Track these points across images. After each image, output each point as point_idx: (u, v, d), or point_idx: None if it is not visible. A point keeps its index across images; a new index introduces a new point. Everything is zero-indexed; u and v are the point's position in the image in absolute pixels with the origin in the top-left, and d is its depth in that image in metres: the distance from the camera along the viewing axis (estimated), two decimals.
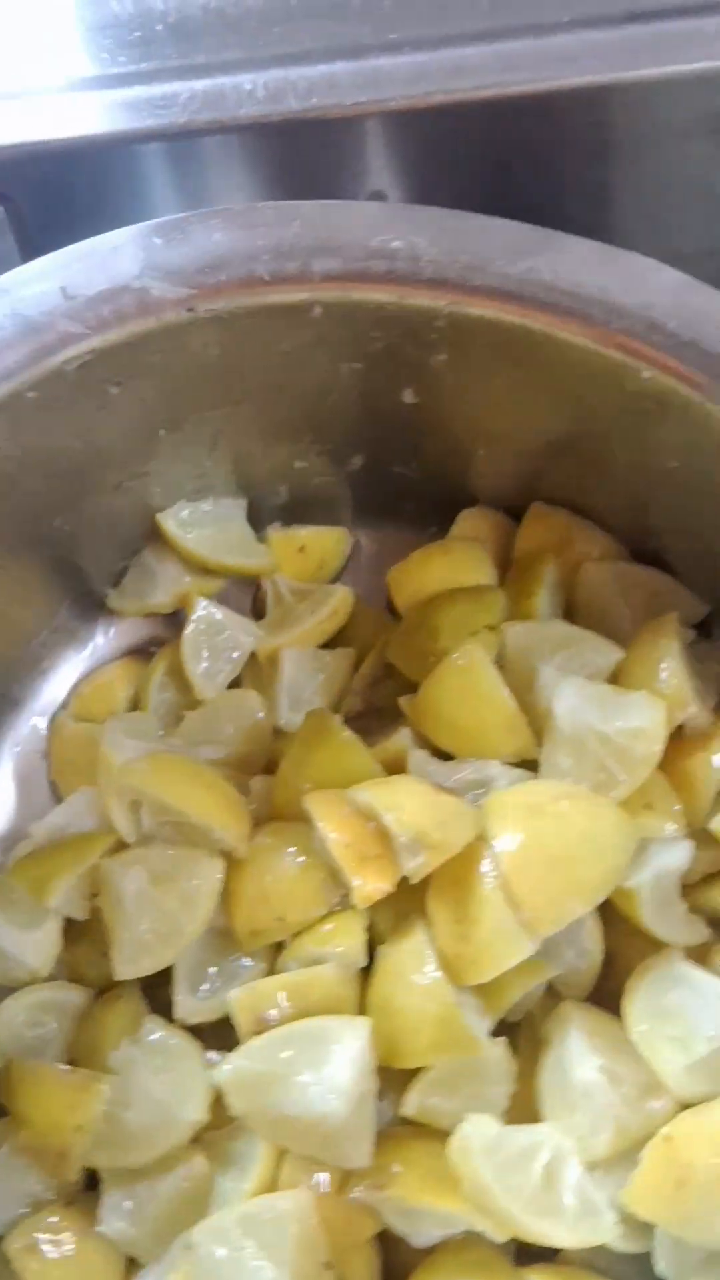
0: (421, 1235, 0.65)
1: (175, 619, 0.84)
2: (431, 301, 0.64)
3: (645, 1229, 0.63)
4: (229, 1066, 0.64)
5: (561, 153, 0.77)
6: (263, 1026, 0.66)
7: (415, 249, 0.63)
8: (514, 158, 0.76)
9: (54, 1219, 0.68)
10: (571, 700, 0.68)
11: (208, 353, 0.67)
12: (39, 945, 0.73)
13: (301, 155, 0.74)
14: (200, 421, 0.74)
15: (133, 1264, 0.68)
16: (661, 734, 0.68)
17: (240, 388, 0.72)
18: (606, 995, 0.69)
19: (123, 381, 0.67)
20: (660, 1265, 0.63)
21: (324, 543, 0.85)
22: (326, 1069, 0.63)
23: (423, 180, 0.75)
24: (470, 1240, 0.65)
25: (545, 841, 0.64)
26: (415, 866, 0.64)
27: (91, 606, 0.86)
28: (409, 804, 0.66)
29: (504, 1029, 0.68)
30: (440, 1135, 0.64)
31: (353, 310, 0.65)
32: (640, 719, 0.68)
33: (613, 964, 0.69)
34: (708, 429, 0.64)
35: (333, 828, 0.67)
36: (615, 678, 0.73)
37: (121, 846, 0.73)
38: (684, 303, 0.62)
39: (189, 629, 0.80)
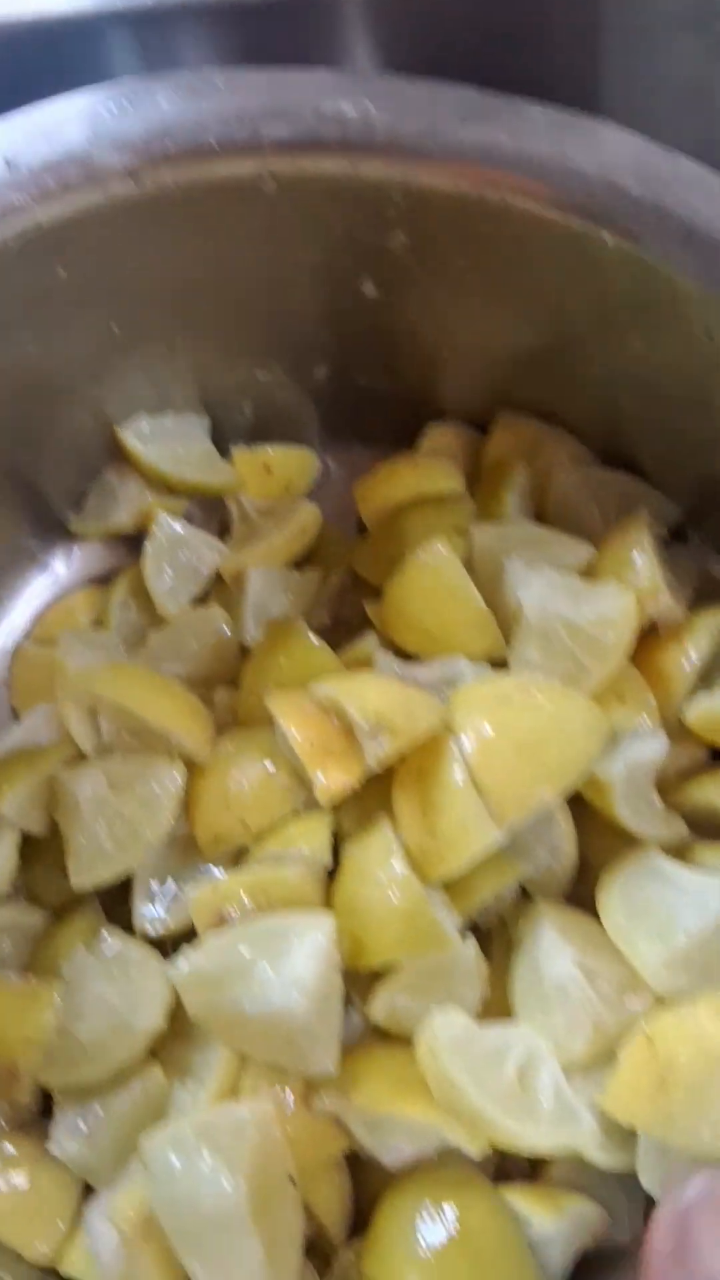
0: (392, 1152, 0.62)
1: (139, 546, 0.82)
2: (386, 172, 0.62)
3: (628, 1144, 0.60)
4: (186, 965, 0.60)
5: (549, 41, 0.75)
6: (222, 926, 0.63)
7: (368, 115, 0.62)
8: (499, 46, 0.74)
9: (5, 1146, 0.65)
10: (540, 590, 0.66)
11: (159, 235, 0.65)
12: None
13: (274, 38, 0.72)
14: (155, 321, 0.72)
15: (89, 1192, 0.64)
16: (632, 622, 0.65)
17: (195, 280, 0.70)
18: (582, 901, 0.66)
19: (70, 262, 0.65)
20: (645, 1178, 0.59)
21: (290, 462, 0.83)
22: (287, 963, 0.59)
23: (401, 67, 0.73)
24: (445, 1158, 0.61)
25: (513, 729, 0.62)
26: (378, 752, 0.61)
27: (53, 531, 0.83)
28: (372, 693, 0.63)
29: (477, 937, 0.65)
30: (410, 1046, 0.61)
31: (306, 184, 0.63)
32: (610, 607, 0.66)
33: (588, 868, 0.66)
34: (673, 300, 0.62)
35: (294, 725, 0.65)
36: (586, 575, 0.70)
37: (79, 759, 0.71)
38: (644, 165, 0.61)
39: (150, 544, 0.78)
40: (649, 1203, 0.61)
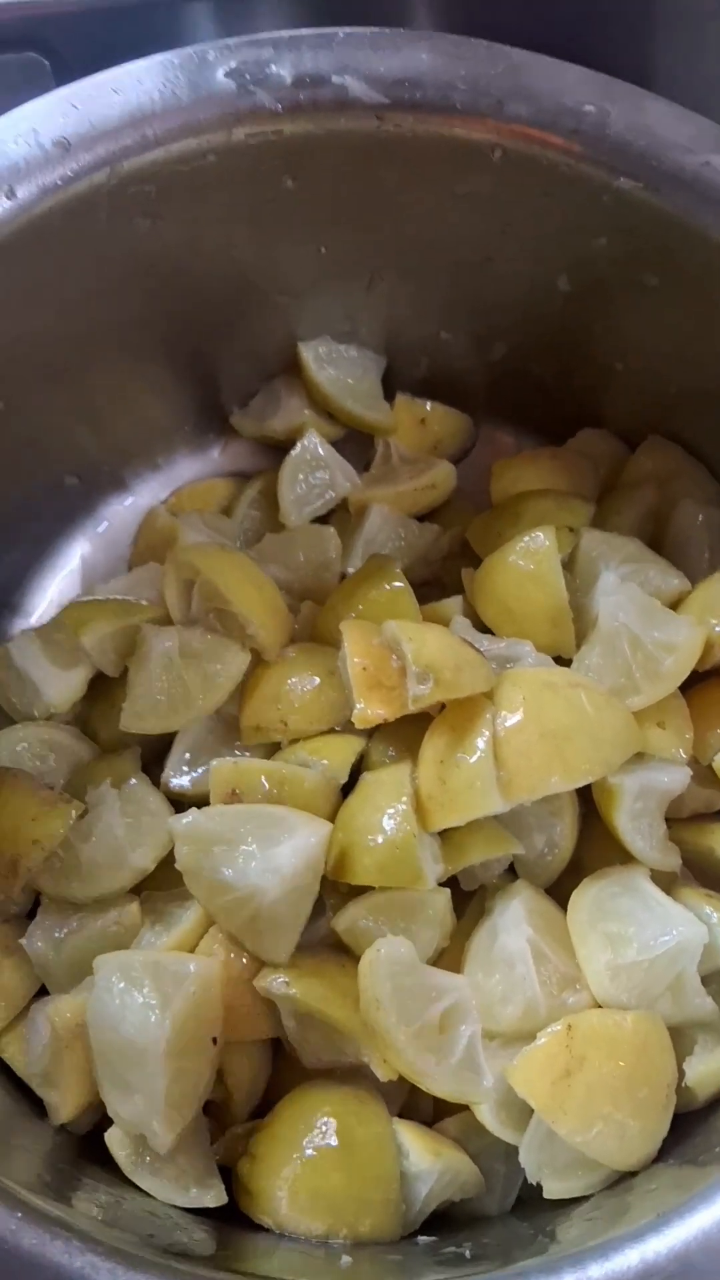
0: (312, 1053, 0.66)
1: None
2: (605, 175, 0.66)
3: (520, 1122, 0.63)
4: (189, 819, 0.66)
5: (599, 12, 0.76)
6: (233, 801, 0.68)
7: (605, 118, 0.65)
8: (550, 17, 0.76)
9: None
10: (618, 600, 0.69)
11: (387, 176, 0.70)
12: (64, 685, 0.77)
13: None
14: (363, 255, 0.77)
15: (42, 995, 0.70)
16: (694, 656, 0.68)
17: (408, 229, 0.74)
18: (563, 901, 0.69)
19: (299, 177, 0.70)
20: (525, 1157, 0.62)
21: (446, 423, 0.87)
22: (275, 850, 0.64)
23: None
24: (356, 1076, 0.65)
25: (547, 715, 0.65)
26: (419, 693, 0.65)
27: (216, 423, 0.90)
28: (432, 642, 0.67)
29: (459, 899, 0.68)
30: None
31: (531, 164, 0.67)
32: (678, 635, 0.68)
33: (579, 872, 0.69)
34: None
35: (356, 652, 0.69)
36: (673, 607, 0.72)
37: (167, 624, 0.77)
38: None
39: (292, 453, 0.83)
40: (525, 1186, 0.64)
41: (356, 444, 0.88)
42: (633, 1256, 0.51)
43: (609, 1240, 0.51)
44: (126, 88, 0.67)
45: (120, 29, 0.81)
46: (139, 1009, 0.62)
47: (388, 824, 0.65)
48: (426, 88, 0.66)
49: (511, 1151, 0.63)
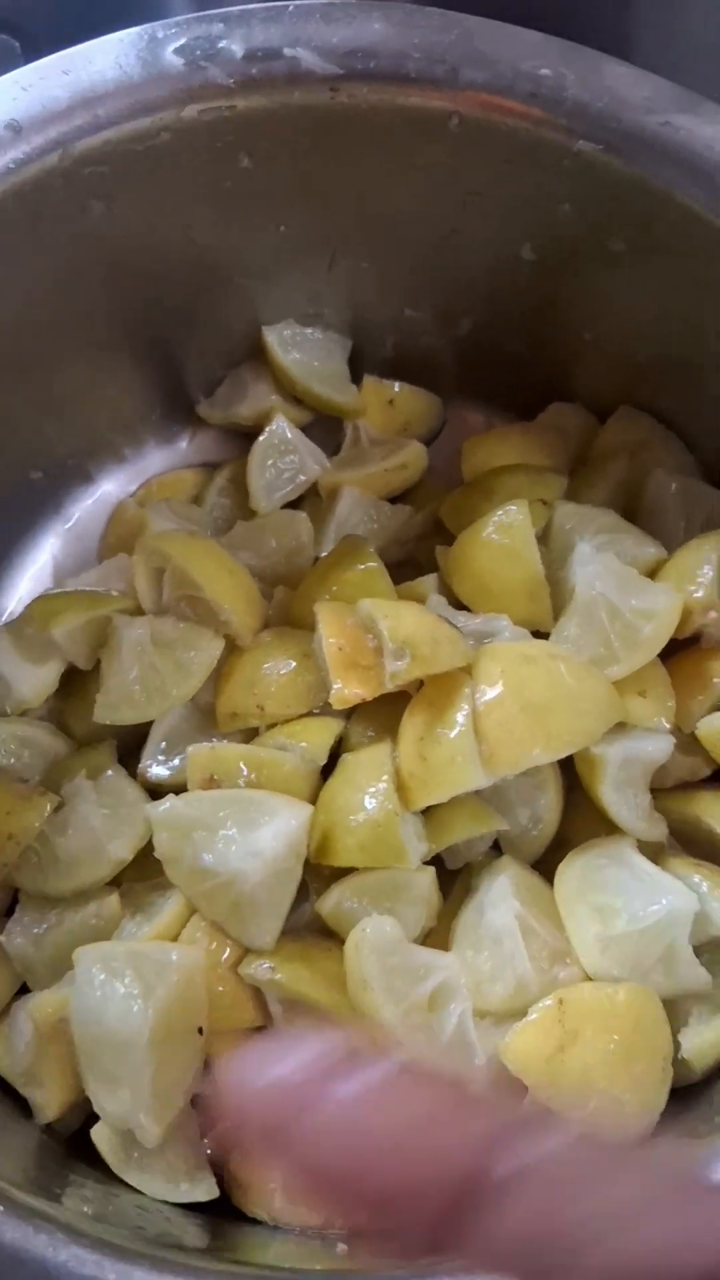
0: None
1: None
2: (565, 139, 0.65)
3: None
4: (166, 805, 0.64)
5: None
6: (211, 787, 0.67)
7: (563, 81, 0.64)
8: None
9: None
10: (594, 570, 0.68)
11: (343, 149, 0.69)
12: (37, 680, 0.75)
13: None
14: (322, 233, 0.76)
15: (23, 993, 0.69)
16: (672, 622, 0.67)
17: (367, 205, 0.74)
18: (549, 876, 0.68)
19: (255, 154, 0.69)
20: None
21: (415, 404, 0.86)
22: (255, 834, 0.63)
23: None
24: None
25: (527, 687, 0.64)
26: (397, 669, 0.64)
27: (182, 413, 0.88)
28: (408, 619, 0.66)
29: (444, 878, 0.67)
30: None
31: (489, 132, 0.66)
32: (656, 603, 0.67)
33: (565, 846, 0.68)
34: None
35: (331, 632, 0.68)
36: (650, 576, 0.72)
37: (138, 613, 0.76)
38: None
39: (260, 439, 0.82)
40: None
41: (325, 428, 0.87)
42: None
43: None
44: (76, 68, 0.66)
45: (92, 10, 0.80)
46: (121, 999, 0.60)
47: (369, 803, 0.64)
48: (380, 57, 0.65)
49: None
